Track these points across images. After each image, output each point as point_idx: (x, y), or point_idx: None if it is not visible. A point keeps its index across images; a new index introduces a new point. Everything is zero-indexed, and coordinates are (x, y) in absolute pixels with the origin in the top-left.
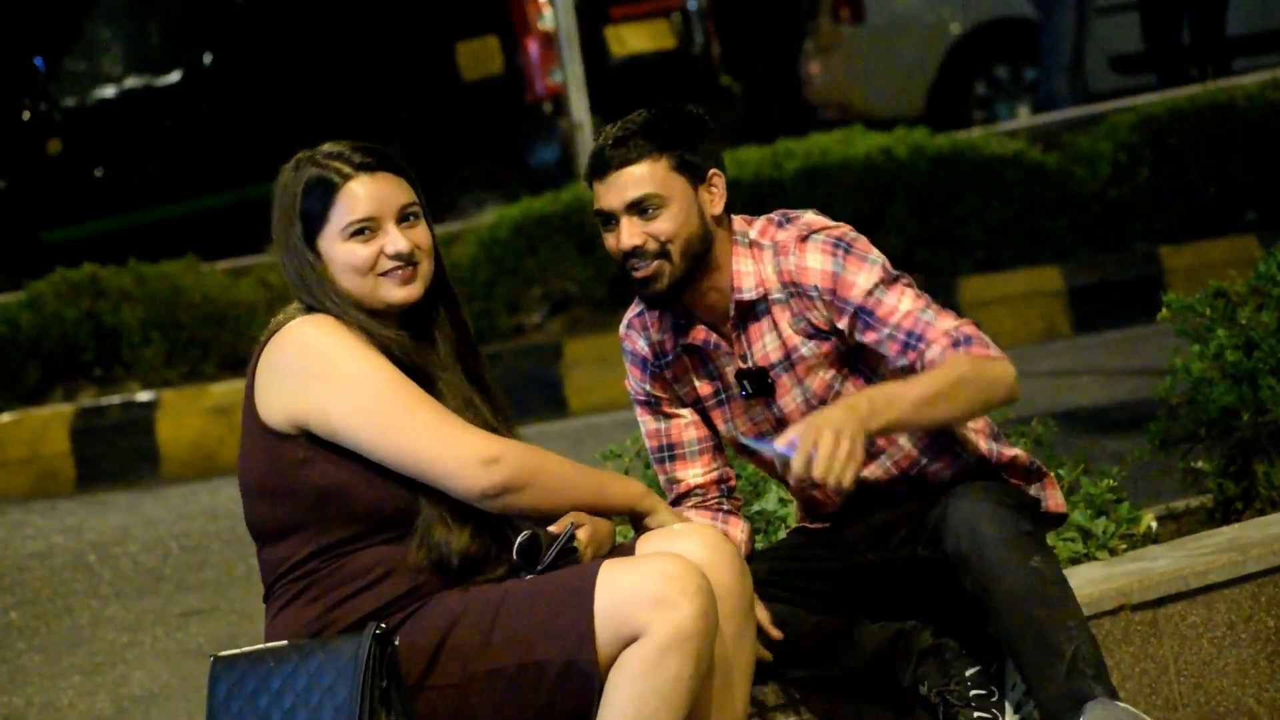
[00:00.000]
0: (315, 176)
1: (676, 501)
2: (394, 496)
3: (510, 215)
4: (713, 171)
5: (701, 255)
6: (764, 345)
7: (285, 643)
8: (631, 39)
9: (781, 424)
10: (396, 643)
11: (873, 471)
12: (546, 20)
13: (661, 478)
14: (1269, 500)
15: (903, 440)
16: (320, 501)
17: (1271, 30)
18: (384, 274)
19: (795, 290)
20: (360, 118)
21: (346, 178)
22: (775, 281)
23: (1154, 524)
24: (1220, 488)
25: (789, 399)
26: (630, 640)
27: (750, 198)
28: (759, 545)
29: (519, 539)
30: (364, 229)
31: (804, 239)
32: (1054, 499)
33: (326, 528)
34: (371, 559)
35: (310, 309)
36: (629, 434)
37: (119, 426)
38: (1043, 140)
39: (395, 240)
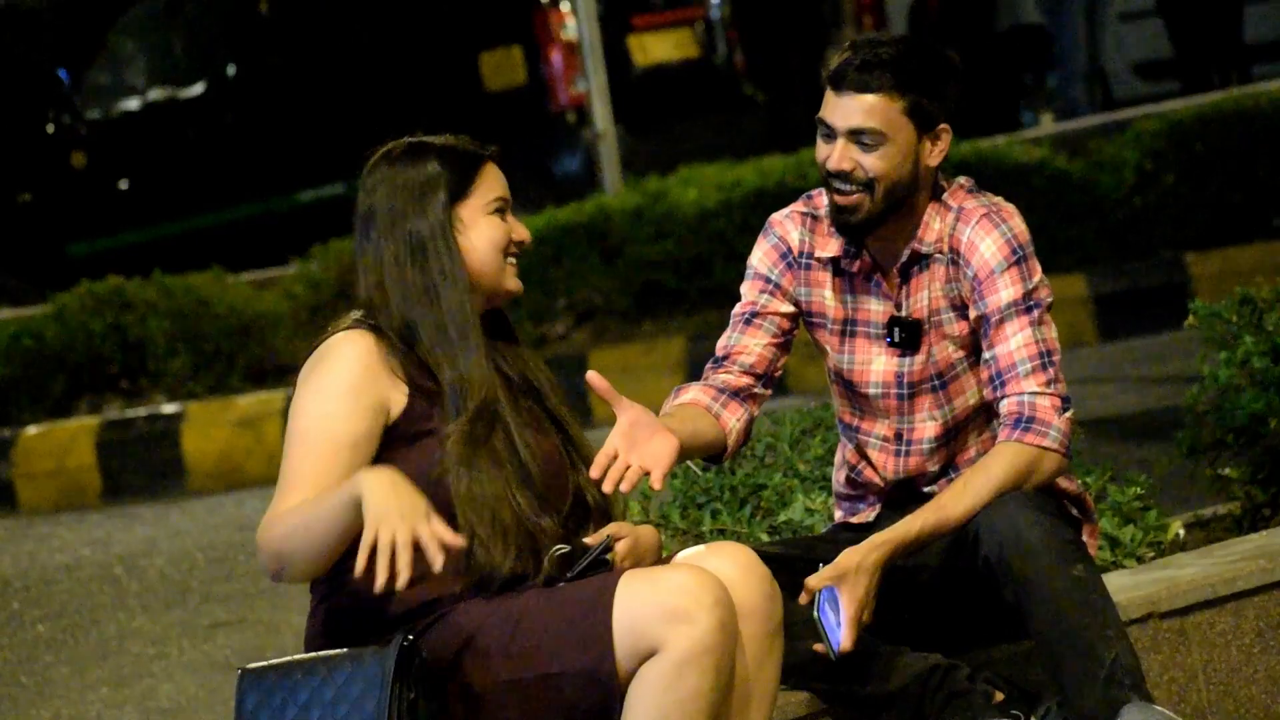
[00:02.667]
0: (456, 149)
1: (714, 364)
2: (433, 504)
3: (534, 226)
4: (943, 126)
5: (902, 200)
6: (921, 299)
7: (313, 654)
8: (655, 48)
9: (897, 376)
10: (424, 655)
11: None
12: (569, 30)
13: (723, 340)
14: None
15: (974, 452)
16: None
17: None
18: (509, 258)
19: (954, 258)
20: (384, 129)
21: (489, 155)
22: (947, 243)
23: (1182, 531)
24: (1248, 495)
25: (917, 359)
26: (649, 654)
27: (775, 207)
28: None
29: (554, 551)
30: (503, 209)
31: (992, 220)
32: (1089, 544)
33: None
34: None
35: (367, 314)
36: None
37: (145, 439)
38: (1067, 147)
39: (519, 228)
